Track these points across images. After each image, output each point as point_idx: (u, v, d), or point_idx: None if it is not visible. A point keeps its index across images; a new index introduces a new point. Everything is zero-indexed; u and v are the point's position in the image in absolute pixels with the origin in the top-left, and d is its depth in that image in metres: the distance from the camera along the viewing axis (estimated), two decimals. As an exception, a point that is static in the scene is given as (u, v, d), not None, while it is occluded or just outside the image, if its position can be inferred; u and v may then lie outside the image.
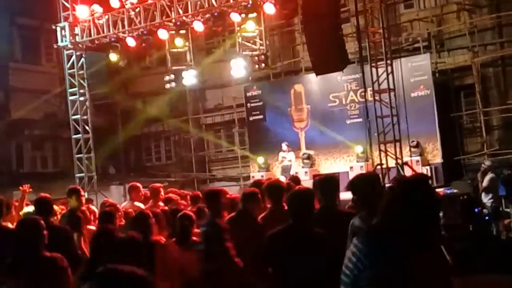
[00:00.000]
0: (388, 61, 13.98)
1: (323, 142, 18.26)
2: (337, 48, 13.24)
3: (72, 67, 17.69)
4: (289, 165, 17.13)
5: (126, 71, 19.62)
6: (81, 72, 17.67)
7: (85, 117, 17.74)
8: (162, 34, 15.88)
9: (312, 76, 17.27)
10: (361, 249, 2.67)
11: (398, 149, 13.90)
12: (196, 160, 22.09)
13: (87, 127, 17.69)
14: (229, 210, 6.27)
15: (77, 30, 17.09)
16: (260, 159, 18.74)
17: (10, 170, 21.26)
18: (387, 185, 10.85)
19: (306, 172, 17.37)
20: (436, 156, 16.51)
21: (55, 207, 7.35)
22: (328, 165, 18.18)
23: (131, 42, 16.41)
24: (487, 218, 11.75)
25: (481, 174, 13.00)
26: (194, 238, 5.86)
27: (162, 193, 8.58)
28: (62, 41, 17.36)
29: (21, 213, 7.85)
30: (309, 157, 18.07)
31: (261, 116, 19.61)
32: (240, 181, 20.26)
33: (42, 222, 4.61)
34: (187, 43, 16.81)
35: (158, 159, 23.88)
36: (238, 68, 16.27)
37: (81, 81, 17.67)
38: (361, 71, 14.60)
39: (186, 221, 5.84)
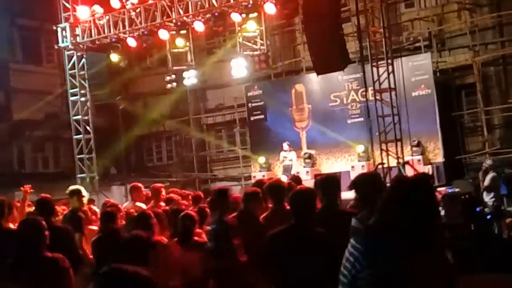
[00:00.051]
0: (389, 61, 13.95)
1: (324, 141, 18.23)
2: (338, 47, 13.23)
3: (73, 67, 17.72)
4: (290, 164, 17.12)
5: (127, 71, 19.65)
6: (82, 72, 17.70)
7: (86, 117, 17.77)
8: (163, 34, 15.89)
9: (313, 76, 17.25)
10: (359, 249, 2.66)
11: (399, 149, 13.86)
12: (197, 160, 22.08)
13: (88, 128, 17.72)
14: (230, 210, 6.28)
15: (78, 31, 17.11)
16: (261, 159, 18.71)
17: (11, 170, 21.24)
18: (388, 184, 10.83)
19: (307, 172, 17.33)
20: (437, 155, 16.50)
21: (57, 207, 7.35)
22: (329, 165, 18.16)
23: (132, 42, 16.42)
24: (488, 217, 11.72)
25: (483, 173, 13.00)
26: (196, 238, 5.87)
27: (164, 193, 8.59)
28: (63, 41, 17.39)
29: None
30: (310, 156, 18.04)
31: (262, 116, 19.58)
32: (242, 181, 20.22)
33: (44, 222, 4.61)
34: (187, 43, 16.85)
35: (159, 159, 23.87)
36: (239, 68, 16.29)
37: (82, 82, 17.70)
38: (362, 70, 14.57)
39: (188, 221, 5.85)
